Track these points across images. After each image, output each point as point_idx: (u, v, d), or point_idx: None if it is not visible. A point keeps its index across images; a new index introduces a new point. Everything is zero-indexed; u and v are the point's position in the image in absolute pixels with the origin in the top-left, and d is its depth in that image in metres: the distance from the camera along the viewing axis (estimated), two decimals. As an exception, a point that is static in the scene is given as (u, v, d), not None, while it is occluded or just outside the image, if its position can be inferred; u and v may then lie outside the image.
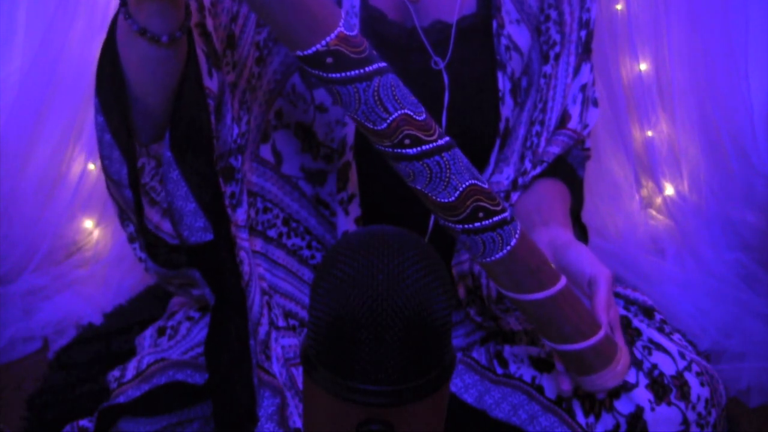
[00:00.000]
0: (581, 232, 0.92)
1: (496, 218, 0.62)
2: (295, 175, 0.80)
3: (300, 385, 0.79)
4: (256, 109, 0.80)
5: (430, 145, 0.59)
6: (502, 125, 0.83)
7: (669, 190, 1.71)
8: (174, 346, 0.82)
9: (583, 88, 0.91)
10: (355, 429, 0.51)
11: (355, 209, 0.78)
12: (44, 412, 0.90)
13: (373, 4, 0.79)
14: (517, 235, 0.63)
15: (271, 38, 0.76)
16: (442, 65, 0.80)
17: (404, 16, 0.81)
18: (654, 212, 1.74)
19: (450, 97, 0.80)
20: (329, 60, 0.56)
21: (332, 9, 0.57)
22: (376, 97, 0.57)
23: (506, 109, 0.83)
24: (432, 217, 0.82)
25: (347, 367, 0.51)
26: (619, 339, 0.71)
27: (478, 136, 0.84)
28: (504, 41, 0.82)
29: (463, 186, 0.61)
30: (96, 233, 1.67)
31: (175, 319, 0.87)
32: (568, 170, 0.92)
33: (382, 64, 0.58)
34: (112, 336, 1.02)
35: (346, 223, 0.78)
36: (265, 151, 0.81)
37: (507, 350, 0.82)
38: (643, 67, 1.66)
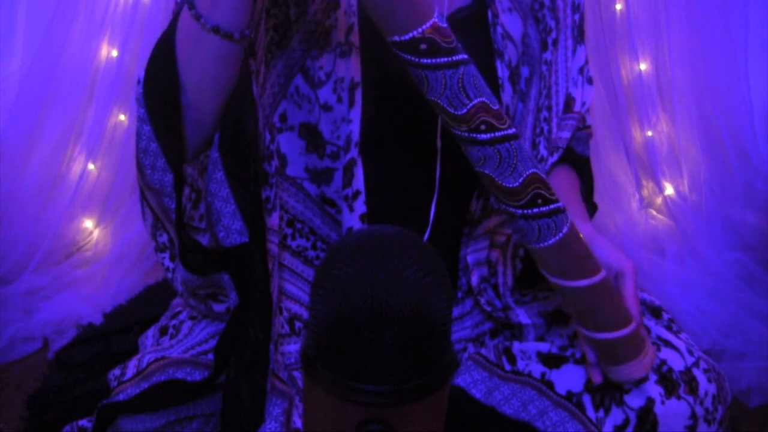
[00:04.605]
0: (592, 211, 0.96)
1: (552, 206, 0.67)
2: (299, 176, 0.80)
3: (300, 385, 0.79)
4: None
5: (502, 132, 0.65)
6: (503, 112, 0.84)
7: (669, 190, 1.71)
8: (175, 345, 0.82)
9: (581, 70, 0.94)
10: (355, 429, 0.51)
11: (360, 206, 0.78)
12: (44, 412, 0.89)
13: None
14: (568, 224, 0.68)
15: (273, 42, 0.76)
16: None
17: None
18: (654, 212, 1.74)
19: None
20: (423, 46, 0.61)
21: (429, 1, 0.62)
22: (460, 84, 0.63)
23: (506, 96, 0.83)
24: (432, 213, 0.82)
25: (347, 367, 0.51)
26: (643, 331, 0.74)
27: None
28: (499, 30, 0.82)
29: (527, 173, 0.66)
30: (96, 233, 1.67)
31: (178, 319, 0.88)
32: (573, 153, 0.94)
33: (465, 56, 0.64)
34: (112, 336, 1.02)
35: (351, 219, 0.78)
36: None
37: (516, 346, 0.82)
38: (643, 67, 1.66)
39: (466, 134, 0.65)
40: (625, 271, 0.75)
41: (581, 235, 0.70)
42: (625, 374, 0.72)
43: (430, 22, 0.62)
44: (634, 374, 0.72)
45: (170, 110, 0.68)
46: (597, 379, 0.75)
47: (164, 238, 0.79)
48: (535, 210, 0.67)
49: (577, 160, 0.95)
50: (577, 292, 0.70)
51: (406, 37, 0.61)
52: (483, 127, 0.64)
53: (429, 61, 0.62)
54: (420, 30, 0.61)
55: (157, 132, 0.69)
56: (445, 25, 0.63)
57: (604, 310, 0.70)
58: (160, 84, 0.68)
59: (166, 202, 0.72)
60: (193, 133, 0.71)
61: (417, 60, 0.62)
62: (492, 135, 0.64)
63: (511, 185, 0.66)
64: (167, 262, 0.81)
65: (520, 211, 0.67)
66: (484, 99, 0.64)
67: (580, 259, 0.69)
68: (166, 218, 0.75)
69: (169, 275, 0.83)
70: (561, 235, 0.68)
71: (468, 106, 0.63)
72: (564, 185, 0.90)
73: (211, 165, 0.70)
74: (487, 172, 0.66)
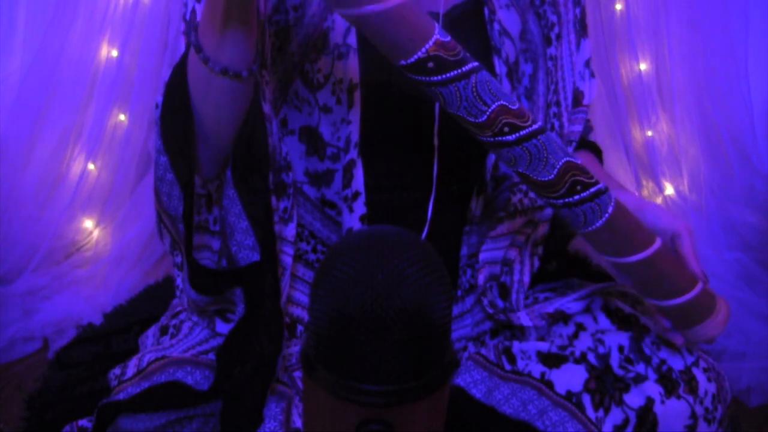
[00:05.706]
0: None
1: (592, 189, 0.67)
2: (299, 180, 0.81)
3: (300, 385, 0.79)
4: None
5: (527, 130, 0.65)
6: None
7: (669, 190, 1.71)
8: (176, 344, 0.82)
9: (587, 63, 0.94)
10: (354, 429, 0.51)
11: (359, 207, 0.78)
12: (44, 412, 0.89)
13: None
14: (613, 203, 0.68)
15: (275, 48, 0.77)
16: None
17: None
18: (654, 212, 1.74)
19: None
20: (430, 65, 0.61)
21: (427, 19, 0.62)
22: (475, 93, 0.63)
23: None
24: (430, 211, 0.82)
25: (347, 367, 0.51)
26: (710, 289, 0.74)
27: None
28: (496, 26, 0.82)
29: (560, 163, 0.66)
30: (96, 233, 1.67)
31: (178, 318, 0.88)
32: (584, 141, 0.95)
33: (476, 64, 0.63)
34: (112, 336, 1.02)
35: (351, 220, 0.78)
36: None
37: (515, 346, 0.82)
38: (643, 67, 1.66)
39: (492, 139, 0.65)
40: (680, 232, 0.75)
41: (629, 211, 0.70)
42: (701, 335, 0.72)
43: (432, 39, 0.61)
44: (711, 333, 0.72)
45: (185, 143, 0.69)
46: (679, 340, 0.75)
47: (179, 260, 0.80)
48: (576, 197, 0.67)
49: (591, 146, 0.96)
50: (636, 266, 0.70)
51: (412, 59, 0.61)
52: (506, 129, 0.64)
53: (438, 78, 0.62)
54: (423, 50, 0.61)
55: (173, 163, 0.70)
56: (447, 38, 0.62)
57: (667, 278, 0.70)
58: (175, 118, 0.69)
59: (181, 228, 0.73)
60: (211, 157, 0.72)
61: (427, 79, 0.62)
62: (517, 135, 0.65)
63: (546, 179, 0.66)
64: (179, 281, 0.82)
65: (561, 201, 0.67)
66: (502, 102, 0.64)
67: (631, 233, 0.69)
68: (181, 242, 0.76)
69: (178, 293, 0.84)
70: (607, 215, 0.68)
71: (487, 113, 0.63)
72: (590, 163, 0.91)
73: (225, 183, 0.71)
74: (520, 170, 0.67)
